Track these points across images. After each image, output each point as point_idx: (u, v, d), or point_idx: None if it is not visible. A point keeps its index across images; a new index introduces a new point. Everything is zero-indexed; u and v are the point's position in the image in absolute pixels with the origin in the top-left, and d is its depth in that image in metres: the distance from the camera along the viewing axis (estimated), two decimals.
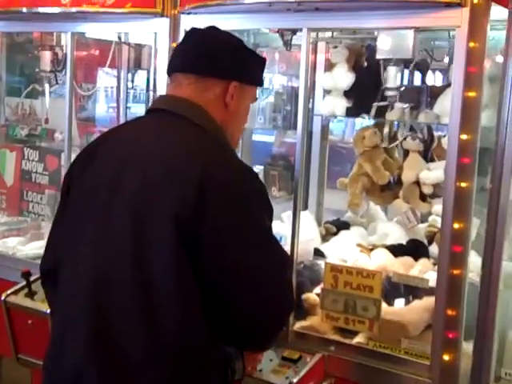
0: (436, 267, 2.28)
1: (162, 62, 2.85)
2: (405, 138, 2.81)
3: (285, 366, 2.28)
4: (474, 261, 2.26)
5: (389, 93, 2.40)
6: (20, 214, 3.74)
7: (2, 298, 2.88)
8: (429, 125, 2.74)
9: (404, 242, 2.83)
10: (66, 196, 1.78)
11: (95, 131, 4.03)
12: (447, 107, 2.18)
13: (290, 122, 3.16)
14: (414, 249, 2.74)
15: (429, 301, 2.31)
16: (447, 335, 2.16)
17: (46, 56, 3.30)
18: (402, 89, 2.40)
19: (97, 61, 3.97)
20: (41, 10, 2.90)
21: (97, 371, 1.57)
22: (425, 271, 2.52)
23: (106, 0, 2.75)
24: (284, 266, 1.72)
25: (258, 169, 3.19)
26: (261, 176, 3.08)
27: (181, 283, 1.55)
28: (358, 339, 2.38)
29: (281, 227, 2.73)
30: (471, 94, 2.07)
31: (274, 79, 3.41)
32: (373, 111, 2.50)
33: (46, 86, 3.42)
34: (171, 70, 1.82)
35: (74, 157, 2.89)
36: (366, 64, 2.79)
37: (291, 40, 2.71)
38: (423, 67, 2.74)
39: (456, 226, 2.12)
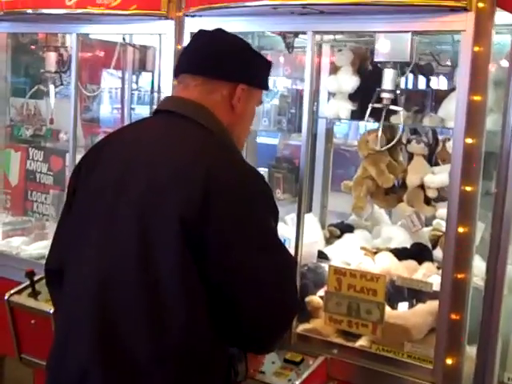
0: (440, 271, 2.28)
1: (166, 63, 2.86)
2: (409, 142, 2.80)
3: (287, 368, 2.28)
4: (479, 265, 2.26)
5: (384, 95, 2.40)
6: (24, 214, 3.75)
7: (6, 297, 2.89)
8: (433, 128, 2.74)
9: (408, 246, 2.83)
10: (72, 197, 1.79)
11: (100, 132, 4.04)
12: (452, 111, 2.18)
13: (294, 125, 3.16)
14: (418, 252, 2.73)
15: (432, 304, 2.31)
16: (451, 339, 2.15)
17: (51, 57, 3.32)
18: (398, 92, 2.39)
19: (102, 62, 3.97)
20: (46, 11, 2.90)
21: (102, 373, 1.57)
22: (429, 275, 2.52)
23: (110, 2, 2.75)
24: (289, 268, 1.71)
25: (262, 171, 3.19)
26: (265, 178, 3.08)
27: (186, 285, 1.55)
28: (361, 342, 2.38)
29: (285, 230, 2.73)
30: (476, 98, 2.07)
31: (278, 82, 3.41)
32: (367, 113, 2.49)
33: (51, 86, 3.42)
34: (178, 71, 1.82)
35: (78, 157, 2.91)
36: (370, 67, 2.79)
37: (293, 42, 2.71)
38: (427, 71, 2.74)
39: (460, 230, 2.12)
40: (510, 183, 2.11)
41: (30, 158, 3.71)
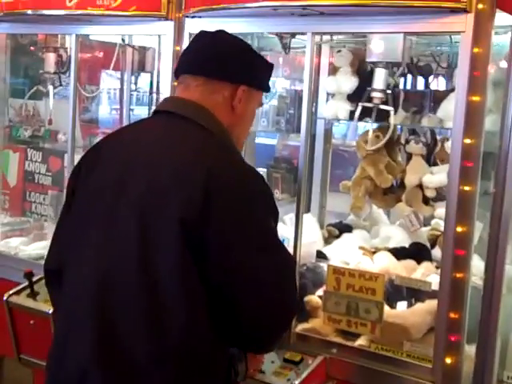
0: (438, 270, 2.29)
1: (165, 64, 2.86)
2: (407, 142, 2.82)
3: (286, 367, 2.28)
4: (477, 264, 2.27)
5: (375, 94, 2.40)
6: (23, 215, 3.74)
7: (5, 298, 2.89)
8: (432, 129, 2.76)
9: (407, 245, 2.84)
10: (71, 198, 1.79)
11: (98, 133, 4.04)
12: (451, 111, 2.18)
13: (293, 125, 3.17)
14: (416, 252, 2.75)
15: (431, 304, 2.32)
16: (450, 338, 2.16)
17: (51, 58, 3.32)
18: (390, 91, 2.39)
19: (101, 63, 3.97)
20: (46, 12, 2.90)
21: (101, 373, 1.57)
22: (427, 274, 2.53)
23: (110, 3, 2.75)
24: (288, 268, 1.72)
25: (260, 171, 3.20)
26: (265, 179, 3.09)
27: (186, 286, 1.55)
28: (360, 342, 2.38)
29: (283, 230, 2.73)
30: (475, 98, 2.08)
31: (277, 83, 3.42)
32: (357, 112, 2.50)
33: (50, 87, 3.42)
34: (179, 72, 1.82)
35: (76, 158, 2.91)
36: (369, 68, 2.79)
37: (290, 43, 2.72)
38: (426, 72, 2.75)
39: (459, 229, 2.13)
40: (508, 183, 2.12)
41: (29, 158, 3.70)
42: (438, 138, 2.79)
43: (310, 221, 2.99)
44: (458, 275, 2.14)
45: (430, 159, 2.80)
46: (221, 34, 1.82)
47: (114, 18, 2.84)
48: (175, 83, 2.70)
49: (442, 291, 2.17)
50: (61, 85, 3.42)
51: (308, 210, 3.28)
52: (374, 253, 2.73)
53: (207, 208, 1.53)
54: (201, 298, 1.57)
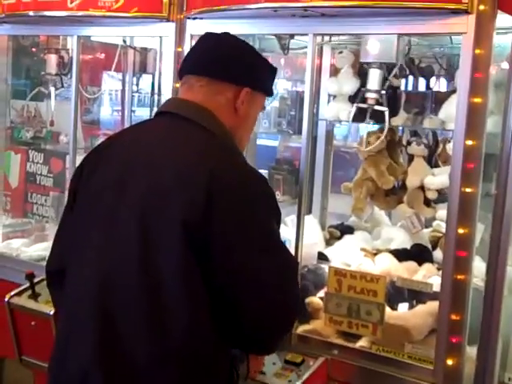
0: (440, 272, 2.29)
1: (167, 66, 2.87)
2: (409, 143, 2.82)
3: (288, 369, 2.28)
4: (479, 266, 2.27)
5: (369, 95, 2.40)
6: (24, 216, 3.75)
7: (6, 299, 2.89)
8: (433, 130, 2.76)
9: (408, 247, 2.84)
10: (73, 199, 1.79)
11: (100, 134, 4.05)
12: (452, 113, 2.18)
13: (294, 127, 3.17)
14: (418, 253, 2.74)
15: (432, 305, 2.32)
16: (451, 340, 2.16)
17: (52, 59, 3.33)
18: (383, 92, 2.39)
19: (102, 64, 3.98)
20: (48, 13, 2.90)
21: (102, 375, 1.57)
22: (429, 276, 2.53)
23: (112, 4, 2.76)
24: (290, 269, 1.71)
25: (262, 173, 3.20)
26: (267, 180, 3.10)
27: (188, 287, 1.55)
28: (362, 343, 2.38)
29: (285, 231, 2.73)
30: (477, 100, 2.08)
31: (278, 84, 3.43)
32: (352, 112, 2.50)
33: (52, 88, 3.43)
34: (183, 72, 1.82)
35: (78, 159, 2.92)
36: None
37: (289, 44, 2.72)
38: (428, 73, 2.75)
39: (461, 231, 2.13)
40: (509, 185, 2.12)
41: (30, 160, 3.71)
42: (439, 138, 2.79)
43: (311, 222, 2.99)
44: (460, 277, 2.14)
45: (432, 161, 2.80)
46: (226, 35, 1.83)
47: (116, 20, 2.84)
48: (177, 84, 2.73)
49: (444, 293, 2.17)
50: (62, 86, 3.43)
51: (309, 212, 3.28)
52: (375, 254, 2.73)
53: (209, 209, 1.53)
54: (203, 300, 1.56)
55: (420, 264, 2.67)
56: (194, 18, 2.65)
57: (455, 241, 2.14)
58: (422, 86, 2.78)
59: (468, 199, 2.13)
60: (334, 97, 2.88)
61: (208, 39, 1.83)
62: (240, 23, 2.48)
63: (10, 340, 2.92)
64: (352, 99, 2.78)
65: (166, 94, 2.81)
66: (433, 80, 2.75)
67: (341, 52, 2.83)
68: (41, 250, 3.37)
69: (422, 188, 2.74)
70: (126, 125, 3.66)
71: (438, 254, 2.69)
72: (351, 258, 2.76)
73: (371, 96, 2.39)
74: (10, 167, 3.78)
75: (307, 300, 2.54)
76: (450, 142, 2.60)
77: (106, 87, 4.18)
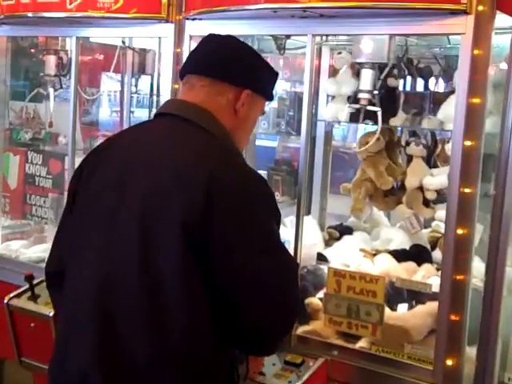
0: (439, 272, 2.29)
1: (166, 67, 2.86)
2: (408, 144, 2.82)
3: (287, 370, 2.28)
4: (478, 266, 2.27)
5: (361, 95, 2.40)
6: (23, 218, 3.74)
7: (5, 301, 2.88)
8: (432, 131, 2.76)
9: (407, 247, 2.84)
10: (73, 200, 1.78)
11: (99, 135, 4.05)
12: (451, 113, 2.19)
13: (293, 128, 3.17)
14: (417, 254, 2.75)
15: (432, 306, 2.32)
16: (450, 340, 2.16)
17: (51, 60, 3.32)
18: (376, 92, 2.39)
19: (101, 65, 3.98)
20: (47, 14, 2.90)
21: (102, 377, 1.57)
22: (428, 276, 2.53)
23: (111, 5, 2.76)
24: (290, 270, 1.71)
25: (261, 174, 3.21)
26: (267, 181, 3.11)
27: (188, 288, 1.55)
28: (361, 344, 2.39)
29: (284, 232, 2.72)
30: (475, 100, 2.08)
31: (277, 85, 3.43)
32: (345, 113, 2.50)
33: (51, 90, 3.43)
34: (184, 72, 1.82)
35: (77, 161, 2.92)
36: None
37: (285, 44, 2.72)
38: (426, 73, 2.76)
39: (460, 231, 2.13)
40: (508, 185, 2.13)
41: (29, 161, 3.71)
42: (438, 138, 2.79)
43: (310, 223, 2.99)
44: (459, 277, 2.14)
45: (431, 161, 2.80)
46: (229, 38, 1.84)
47: (115, 21, 2.84)
48: (176, 85, 2.73)
49: (443, 293, 2.17)
50: (61, 87, 3.43)
51: (308, 213, 3.28)
52: (374, 255, 2.73)
53: (209, 210, 1.53)
54: (203, 300, 1.56)
55: (419, 264, 2.67)
56: (193, 19, 2.65)
57: (454, 241, 2.14)
58: (420, 87, 2.78)
59: (467, 200, 2.13)
60: (333, 97, 2.88)
61: (211, 40, 1.83)
62: (239, 24, 2.48)
63: (9, 342, 2.91)
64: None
65: (165, 95, 2.82)
66: (431, 80, 2.75)
67: (340, 53, 2.83)
68: (40, 251, 3.37)
69: (420, 188, 2.74)
70: (125, 126, 3.67)
71: (437, 255, 2.69)
72: (350, 258, 2.76)
73: (363, 96, 2.39)
74: (8, 168, 3.77)
75: (307, 301, 2.54)
76: (448, 142, 2.60)
77: (105, 88, 4.18)
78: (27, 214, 3.72)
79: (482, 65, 2.08)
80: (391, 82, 2.56)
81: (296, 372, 2.27)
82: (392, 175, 2.86)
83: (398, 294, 2.46)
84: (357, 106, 2.42)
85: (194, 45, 2.55)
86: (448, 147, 2.58)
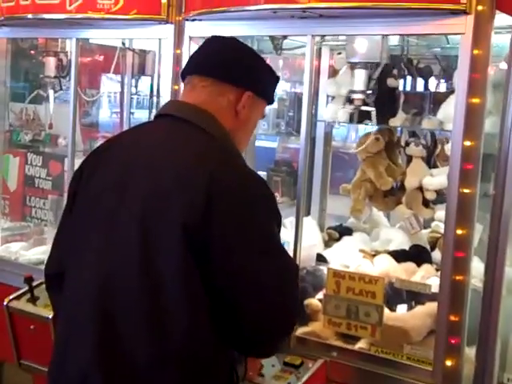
0: (439, 273, 2.29)
1: (166, 68, 2.86)
2: (407, 144, 2.82)
3: (287, 371, 2.28)
4: (477, 267, 2.27)
5: (355, 96, 2.40)
6: (23, 219, 3.75)
7: (5, 303, 2.88)
8: (432, 131, 2.76)
9: (407, 248, 2.84)
10: (72, 202, 1.78)
11: (98, 137, 4.05)
12: (450, 113, 2.18)
13: (293, 128, 3.17)
14: (416, 254, 2.75)
15: (431, 306, 2.32)
16: (450, 341, 2.16)
17: (51, 62, 3.33)
18: (369, 92, 2.39)
19: (101, 67, 3.99)
20: (46, 16, 2.90)
21: (102, 377, 1.57)
22: (427, 277, 2.53)
23: (111, 6, 2.76)
24: (290, 271, 1.70)
25: (261, 175, 3.21)
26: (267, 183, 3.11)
27: (188, 289, 1.55)
28: (361, 345, 2.38)
29: (283, 233, 2.72)
30: (475, 100, 2.08)
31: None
32: (340, 113, 2.49)
33: (51, 91, 3.44)
34: (186, 73, 1.82)
35: (77, 162, 2.92)
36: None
37: (282, 44, 2.72)
38: (426, 73, 2.76)
39: (459, 231, 2.13)
40: (507, 185, 2.12)
41: (29, 163, 3.71)
42: (438, 139, 2.79)
43: (310, 224, 2.99)
44: (458, 277, 2.14)
45: (430, 161, 2.80)
46: (231, 39, 1.84)
47: (115, 22, 2.84)
48: (175, 87, 2.73)
49: (442, 294, 2.17)
50: (61, 89, 3.43)
51: (308, 213, 3.28)
52: (374, 256, 2.73)
53: (209, 212, 1.53)
54: (203, 302, 1.56)
55: (419, 265, 2.67)
56: (193, 20, 2.65)
57: (454, 241, 2.14)
58: (420, 87, 2.78)
59: (466, 200, 2.12)
60: (333, 98, 2.88)
61: (213, 42, 1.84)
62: (239, 25, 2.48)
63: (8, 344, 2.91)
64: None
65: (165, 96, 2.81)
66: (431, 80, 2.75)
67: (340, 53, 2.83)
68: (39, 253, 3.37)
69: (420, 189, 2.74)
70: (125, 127, 3.67)
71: (436, 255, 2.69)
72: (350, 259, 2.76)
73: (357, 97, 2.39)
74: (8, 170, 3.77)
75: (306, 302, 2.54)
76: (448, 142, 2.60)
77: (105, 89, 4.18)
78: (27, 216, 3.72)
79: (482, 65, 2.07)
80: (391, 82, 2.56)
81: (295, 373, 2.26)
82: (392, 176, 2.86)
83: (398, 294, 2.46)
84: (351, 106, 2.42)
85: (193, 46, 2.58)
86: (448, 147, 2.58)
